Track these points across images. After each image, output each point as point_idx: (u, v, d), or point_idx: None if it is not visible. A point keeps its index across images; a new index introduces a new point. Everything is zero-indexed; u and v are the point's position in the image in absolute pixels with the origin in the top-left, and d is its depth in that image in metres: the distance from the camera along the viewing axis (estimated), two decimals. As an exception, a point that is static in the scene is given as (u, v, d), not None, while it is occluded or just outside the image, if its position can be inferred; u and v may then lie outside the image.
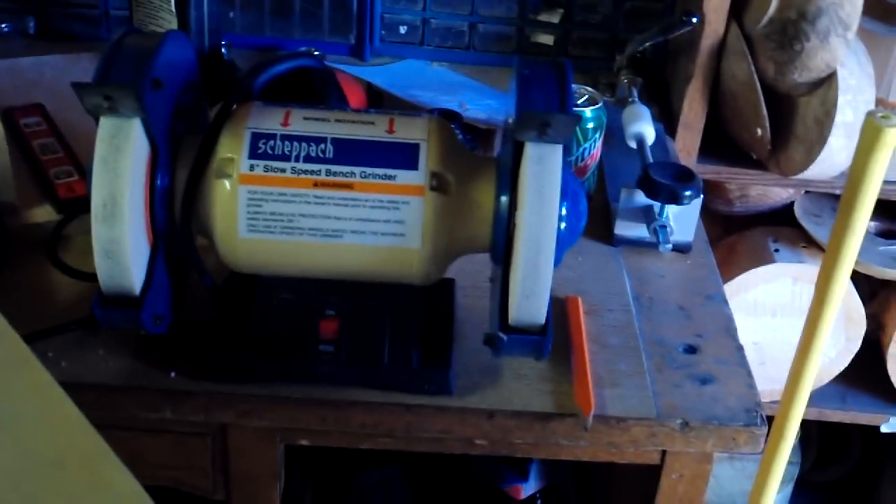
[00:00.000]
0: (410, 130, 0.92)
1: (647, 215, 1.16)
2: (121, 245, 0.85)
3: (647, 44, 1.47)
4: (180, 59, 0.95)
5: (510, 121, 0.91)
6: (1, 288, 1.02)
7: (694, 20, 1.37)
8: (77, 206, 1.10)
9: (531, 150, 0.86)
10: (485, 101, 1.43)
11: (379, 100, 1.40)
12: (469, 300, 1.05)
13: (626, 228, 1.17)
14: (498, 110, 1.38)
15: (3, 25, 1.50)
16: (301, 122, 0.92)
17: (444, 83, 1.50)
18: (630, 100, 1.39)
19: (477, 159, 0.94)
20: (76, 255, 1.05)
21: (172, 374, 0.96)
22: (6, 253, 1.06)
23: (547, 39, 1.58)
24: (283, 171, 0.89)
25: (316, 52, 1.49)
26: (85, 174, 1.15)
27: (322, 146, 0.90)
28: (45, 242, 1.07)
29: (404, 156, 0.90)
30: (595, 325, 1.05)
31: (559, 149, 0.86)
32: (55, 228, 1.06)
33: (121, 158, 0.85)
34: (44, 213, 1.12)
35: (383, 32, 1.56)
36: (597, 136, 1.22)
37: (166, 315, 0.92)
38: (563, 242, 0.88)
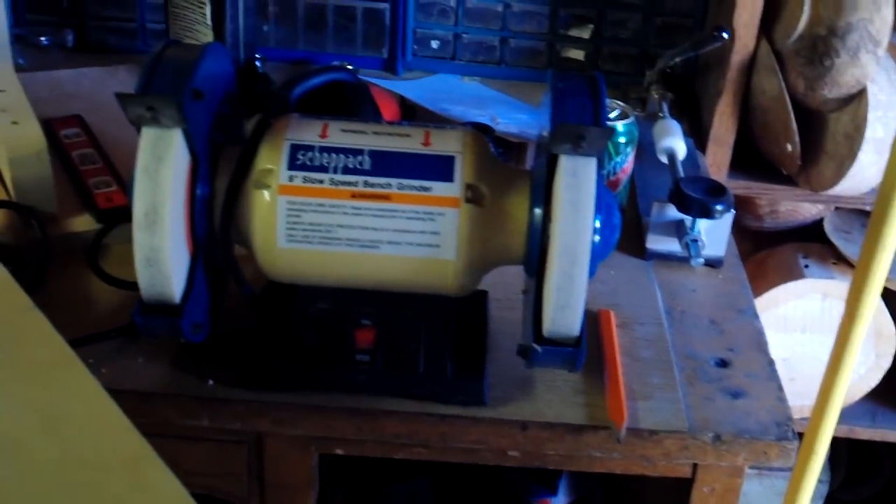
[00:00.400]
0: (446, 143, 0.93)
1: (678, 229, 1.17)
2: (162, 254, 0.87)
3: (678, 59, 1.48)
4: (220, 70, 0.97)
5: (544, 133, 0.92)
6: (42, 296, 1.04)
7: (725, 36, 1.38)
8: (116, 216, 1.11)
9: (566, 163, 0.87)
10: (516, 115, 1.44)
11: (412, 113, 1.41)
12: (502, 312, 1.06)
13: (658, 242, 1.18)
14: (529, 124, 1.39)
15: (43, 39, 1.52)
16: (339, 135, 0.93)
17: (475, 97, 1.51)
18: (660, 115, 1.40)
19: (511, 172, 0.95)
20: (115, 263, 1.07)
21: (210, 382, 0.97)
22: (47, 261, 1.07)
23: (577, 54, 1.59)
24: (322, 182, 0.90)
25: (349, 66, 1.50)
26: (123, 184, 1.17)
27: (360, 158, 0.91)
28: (84, 251, 1.08)
29: (440, 168, 0.91)
30: (627, 338, 1.06)
31: (594, 161, 0.87)
32: (95, 238, 1.08)
33: (162, 168, 0.86)
34: (83, 223, 1.13)
35: (415, 47, 1.57)
36: (628, 150, 1.23)
37: (205, 323, 0.94)
38: (598, 255, 0.89)
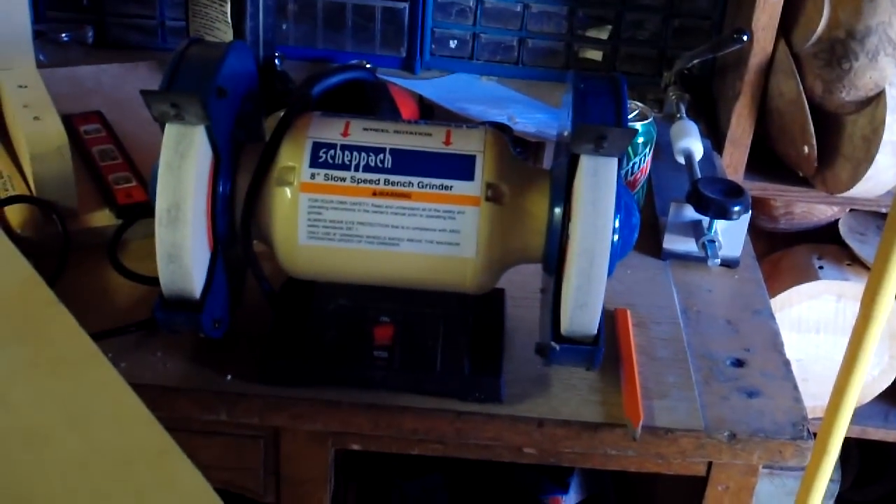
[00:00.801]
0: (467, 142, 0.93)
1: (695, 230, 1.17)
2: (184, 250, 0.87)
3: (696, 61, 1.48)
4: (242, 69, 0.98)
5: (565, 133, 0.92)
6: (62, 290, 1.05)
7: (744, 38, 1.38)
8: (136, 212, 1.12)
9: (587, 163, 0.87)
10: (534, 115, 1.44)
11: (430, 112, 1.42)
12: (519, 310, 1.06)
13: (675, 242, 1.19)
14: (547, 124, 1.40)
15: (63, 35, 1.53)
16: (361, 133, 0.94)
17: (493, 97, 1.52)
18: (678, 116, 1.40)
19: (531, 171, 0.96)
20: (134, 259, 1.07)
21: (228, 377, 0.98)
22: (67, 256, 1.08)
23: (595, 55, 1.59)
24: (343, 179, 0.91)
25: (368, 65, 1.51)
26: (142, 180, 1.18)
27: (381, 156, 0.92)
28: (103, 246, 1.09)
29: (461, 167, 0.92)
30: (643, 337, 1.07)
31: (614, 162, 0.87)
32: (115, 233, 1.08)
33: (185, 165, 0.87)
34: (103, 218, 1.14)
35: (434, 46, 1.58)
36: (647, 150, 1.23)
37: (224, 319, 0.94)
38: (616, 254, 0.90)
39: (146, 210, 0.99)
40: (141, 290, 1.06)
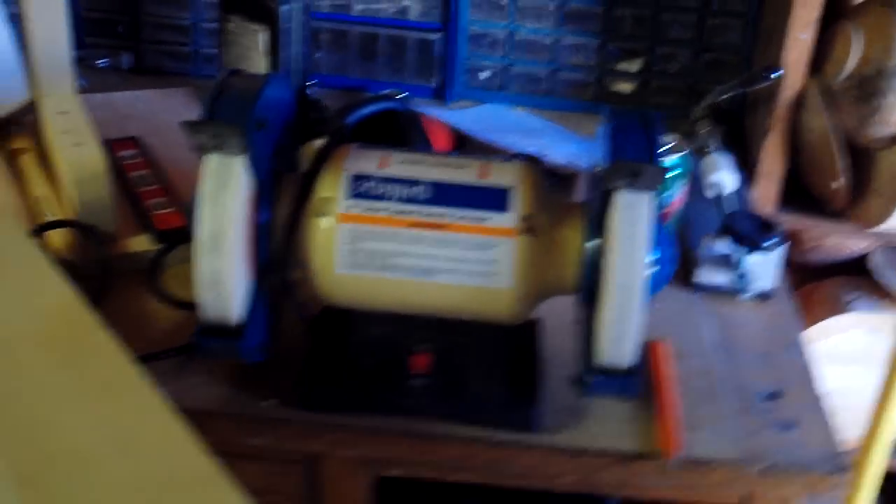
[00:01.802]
0: (502, 175, 0.94)
1: (728, 263, 1.17)
2: (225, 277, 0.88)
3: (726, 95, 1.49)
4: (280, 99, 0.99)
5: (599, 168, 0.93)
6: (103, 314, 1.06)
7: (775, 75, 1.38)
8: (173, 237, 1.13)
9: (621, 198, 0.88)
10: (565, 146, 1.45)
11: (462, 143, 1.43)
12: (555, 339, 1.07)
13: (708, 276, 1.19)
14: (578, 155, 1.40)
15: (100, 61, 1.55)
16: (398, 165, 0.95)
17: (524, 127, 1.53)
18: (708, 149, 1.41)
19: (565, 204, 0.97)
20: (172, 283, 1.08)
21: (267, 402, 0.98)
22: (108, 280, 1.09)
23: (626, 88, 1.60)
24: (381, 211, 0.92)
25: (400, 95, 1.52)
26: (179, 206, 1.19)
27: (418, 188, 0.93)
28: (141, 270, 1.10)
29: (496, 199, 0.93)
30: (678, 369, 1.07)
31: (648, 197, 0.88)
32: (154, 259, 1.09)
33: (226, 194, 0.88)
34: (141, 243, 1.15)
35: (465, 77, 1.59)
36: (680, 183, 1.24)
37: (263, 345, 0.95)
38: (652, 288, 0.90)
39: (183, 235, 1.00)
40: (179, 314, 1.07)
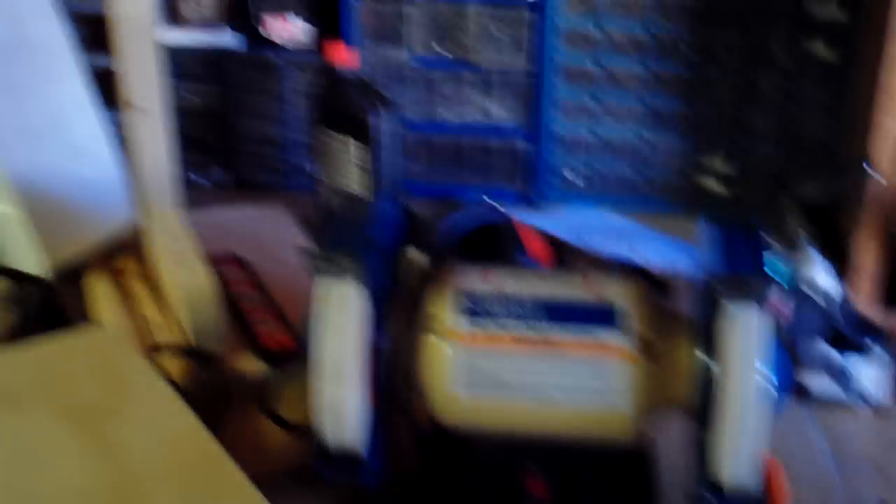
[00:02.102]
0: (611, 291, 0.95)
1: (835, 370, 1.16)
2: (345, 404, 0.89)
3: (817, 190, 1.49)
4: (389, 219, 1.00)
5: (709, 281, 0.93)
6: (218, 436, 1.07)
7: (866, 171, 1.38)
8: (281, 358, 1.15)
9: (732, 312, 0.88)
10: (658, 248, 1.45)
11: (558, 250, 1.44)
12: (670, 458, 1.06)
13: (815, 384, 1.18)
14: (672, 257, 1.41)
15: (196, 176, 1.58)
16: (505, 282, 0.96)
17: (615, 230, 1.54)
18: (801, 246, 1.40)
19: (674, 318, 0.97)
20: (283, 404, 1.09)
21: (383, 526, 0.99)
22: (224, 404, 1.11)
23: (714, 185, 1.60)
24: (490, 328, 0.93)
25: (492, 202, 1.54)
26: (285, 324, 1.20)
27: (527, 307, 0.93)
28: (249, 392, 1.11)
29: (606, 317, 0.93)
30: (790, 482, 1.06)
31: (760, 310, 0.88)
32: (266, 381, 1.11)
33: (343, 320, 0.89)
34: (249, 364, 1.16)
35: (553, 180, 1.60)
36: (778, 286, 1.24)
37: (380, 469, 0.96)
38: (772, 405, 0.90)
39: (292, 355, 1.02)
40: (290, 435, 1.08)
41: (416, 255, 1.06)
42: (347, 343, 0.89)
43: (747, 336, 0.87)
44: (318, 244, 0.93)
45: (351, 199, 0.99)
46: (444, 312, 0.94)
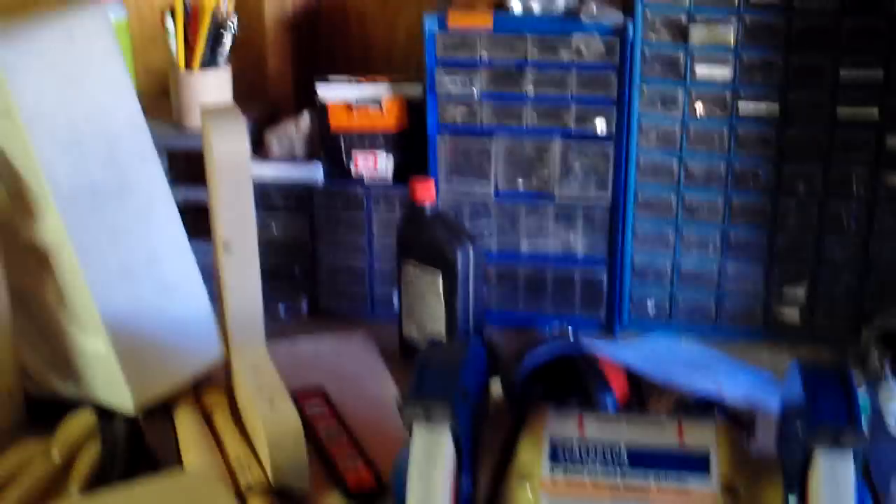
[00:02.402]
0: (700, 437, 0.96)
1: (925, 509, 1.15)
2: (432, 548, 0.90)
3: (897, 319, 1.48)
4: (478, 365, 1.02)
5: (799, 427, 0.93)
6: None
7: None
8: (365, 498, 1.15)
9: (823, 461, 0.88)
10: (738, 380, 1.45)
11: (638, 385, 1.44)
12: None
13: (901, 522, 1.17)
14: (753, 389, 1.40)
15: (279, 306, 1.61)
16: (595, 429, 0.97)
17: (695, 361, 1.53)
18: (883, 376, 1.39)
19: (762, 462, 0.97)
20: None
21: None
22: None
23: (792, 313, 1.60)
24: (581, 476, 0.94)
25: (571, 330, 1.55)
26: (367, 460, 1.21)
27: (617, 453, 0.95)
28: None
29: (696, 464, 0.94)
30: None
31: (851, 458, 0.88)
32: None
33: (434, 468, 0.91)
34: (333, 502, 1.17)
35: (632, 308, 1.61)
36: (861, 420, 1.23)
37: None
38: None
39: (377, 495, 1.03)
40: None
41: (501, 395, 1.08)
42: (433, 491, 0.90)
43: (840, 486, 0.88)
44: (409, 388, 0.95)
45: (439, 340, 1.01)
46: (537, 461, 0.95)
